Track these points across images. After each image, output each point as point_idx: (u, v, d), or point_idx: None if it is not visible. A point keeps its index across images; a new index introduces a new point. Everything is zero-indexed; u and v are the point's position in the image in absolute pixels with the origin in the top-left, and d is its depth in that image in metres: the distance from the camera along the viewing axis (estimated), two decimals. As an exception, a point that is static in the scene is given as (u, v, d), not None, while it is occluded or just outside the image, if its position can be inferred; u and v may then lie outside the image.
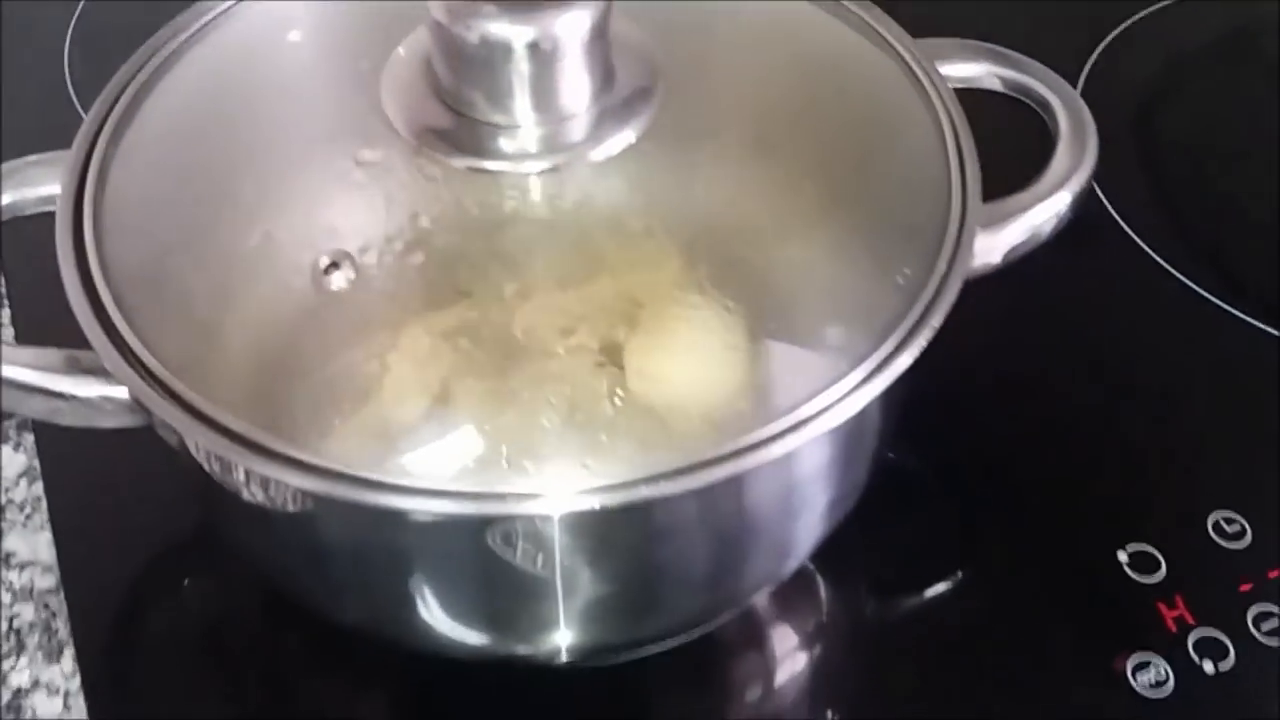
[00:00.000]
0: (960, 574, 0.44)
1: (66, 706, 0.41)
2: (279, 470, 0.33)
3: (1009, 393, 0.49)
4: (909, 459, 0.46)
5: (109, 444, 0.42)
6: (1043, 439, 0.47)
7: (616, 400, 0.34)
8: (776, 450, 0.33)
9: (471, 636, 0.38)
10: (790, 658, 0.43)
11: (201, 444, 0.34)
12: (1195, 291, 0.51)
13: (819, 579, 0.44)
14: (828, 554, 0.43)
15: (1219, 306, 0.51)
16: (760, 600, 0.43)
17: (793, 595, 0.44)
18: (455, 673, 0.41)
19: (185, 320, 0.36)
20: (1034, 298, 0.50)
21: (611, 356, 0.44)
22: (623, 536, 0.35)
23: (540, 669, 0.41)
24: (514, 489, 0.32)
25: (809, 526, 0.38)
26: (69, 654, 0.42)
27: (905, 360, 0.34)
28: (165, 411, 0.34)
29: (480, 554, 0.34)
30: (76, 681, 0.41)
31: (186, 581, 0.44)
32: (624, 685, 0.41)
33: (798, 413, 0.33)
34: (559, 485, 0.32)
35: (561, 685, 0.41)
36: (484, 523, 0.33)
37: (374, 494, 0.32)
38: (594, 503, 0.32)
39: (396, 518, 0.33)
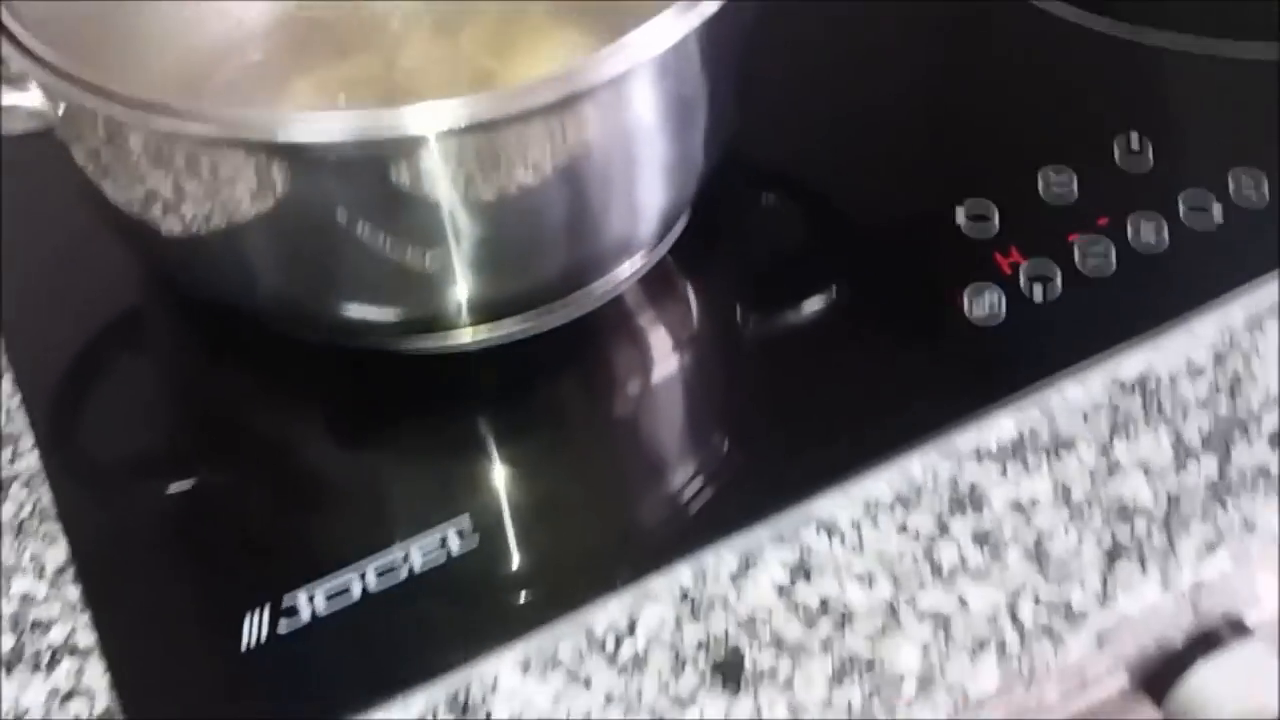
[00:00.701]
0: (810, 249, 0.49)
1: (9, 418, 0.45)
2: (182, 123, 0.37)
3: (859, 90, 0.54)
4: (766, 149, 0.51)
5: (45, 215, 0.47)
6: (888, 125, 0.52)
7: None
8: (605, 71, 0.37)
9: (384, 305, 0.43)
10: (663, 348, 0.47)
11: (102, 112, 0.38)
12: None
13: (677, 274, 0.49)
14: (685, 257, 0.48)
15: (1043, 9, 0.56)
16: (632, 297, 0.47)
17: (660, 297, 0.48)
18: (371, 369, 0.45)
19: (86, 41, 0.40)
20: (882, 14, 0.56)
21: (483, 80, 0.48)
22: (493, 165, 0.38)
23: (443, 358, 0.46)
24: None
25: (652, 184, 0.42)
26: (9, 377, 0.46)
27: (710, 6, 0.39)
28: (72, 95, 0.38)
29: (376, 196, 0.38)
30: (17, 399, 0.45)
31: (123, 326, 0.49)
32: (515, 370, 0.46)
33: (619, 43, 0.38)
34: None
35: (461, 372, 0.46)
36: (374, 151, 0.37)
37: (274, 128, 0.36)
38: (464, 118, 0.36)
39: (296, 157, 0.37)
